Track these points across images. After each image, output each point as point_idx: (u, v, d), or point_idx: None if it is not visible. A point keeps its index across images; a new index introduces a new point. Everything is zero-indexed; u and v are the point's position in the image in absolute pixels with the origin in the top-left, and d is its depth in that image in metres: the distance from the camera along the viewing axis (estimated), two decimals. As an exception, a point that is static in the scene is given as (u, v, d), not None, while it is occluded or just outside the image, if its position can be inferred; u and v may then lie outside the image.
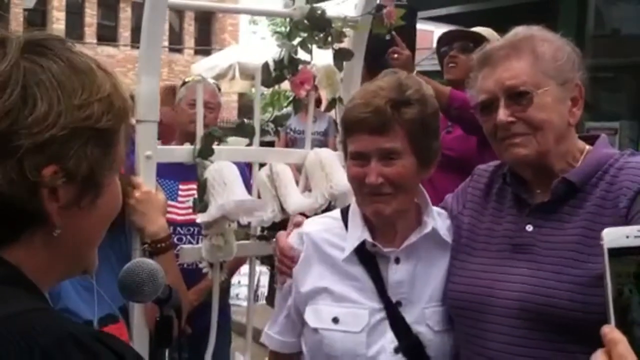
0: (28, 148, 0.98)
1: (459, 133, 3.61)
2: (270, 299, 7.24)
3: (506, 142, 1.88)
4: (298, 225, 2.15)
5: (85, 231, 1.11)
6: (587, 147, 1.92)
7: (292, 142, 7.10)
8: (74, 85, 1.03)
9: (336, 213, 2.16)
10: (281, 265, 2.11)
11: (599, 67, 6.28)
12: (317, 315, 2.00)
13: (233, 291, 7.79)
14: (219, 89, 4.01)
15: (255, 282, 7.05)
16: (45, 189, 1.01)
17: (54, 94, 1.01)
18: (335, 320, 1.97)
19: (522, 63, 1.85)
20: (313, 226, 2.13)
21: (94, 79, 1.06)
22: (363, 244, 2.00)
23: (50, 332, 0.94)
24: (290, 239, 2.12)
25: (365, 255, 2.01)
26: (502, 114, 1.85)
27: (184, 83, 3.93)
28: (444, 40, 4.06)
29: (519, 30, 1.93)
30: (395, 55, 3.57)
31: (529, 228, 1.88)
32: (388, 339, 1.95)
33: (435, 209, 2.08)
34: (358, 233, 2.00)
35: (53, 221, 1.04)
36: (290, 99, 2.87)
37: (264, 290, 7.90)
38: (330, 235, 2.06)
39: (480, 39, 3.40)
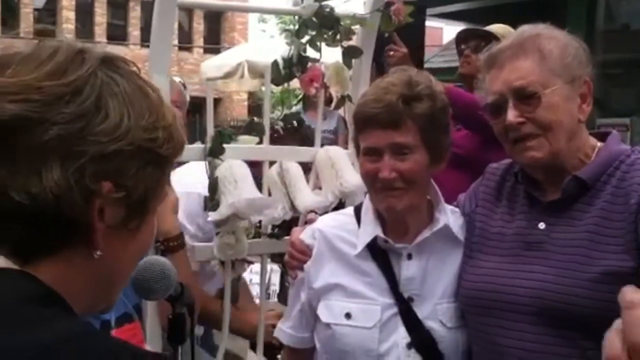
0: (93, 156, 0.97)
1: (467, 131, 3.62)
2: (282, 296, 7.26)
3: (519, 145, 1.88)
4: (311, 222, 2.17)
5: (124, 257, 1.09)
6: (599, 144, 1.92)
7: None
8: (143, 108, 1.03)
9: (349, 210, 2.18)
10: (291, 260, 2.12)
11: (610, 63, 6.25)
12: (329, 311, 2.02)
13: (244, 289, 7.82)
14: (185, 87, 3.99)
15: (267, 281, 7.06)
16: (98, 201, 0.99)
17: (125, 110, 1.01)
18: (348, 315, 1.99)
19: (529, 63, 1.85)
20: (326, 223, 2.15)
21: (160, 107, 1.07)
22: (375, 240, 2.01)
23: (106, 352, 0.93)
24: (302, 235, 2.13)
25: (377, 251, 2.02)
26: (511, 115, 1.85)
27: None
28: (461, 38, 4.11)
29: (525, 29, 1.93)
30: (391, 53, 3.59)
31: (541, 226, 1.88)
32: (400, 335, 1.97)
33: (449, 206, 2.09)
34: (370, 229, 2.02)
35: (97, 240, 1.01)
36: (300, 97, 2.88)
37: (275, 288, 7.91)
38: (343, 231, 2.08)
39: (494, 38, 3.43)
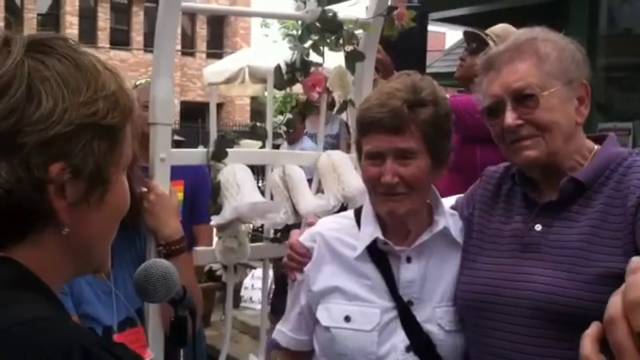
0: (34, 145, 0.98)
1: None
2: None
3: (515, 145, 1.89)
4: (311, 224, 2.18)
5: (94, 229, 1.10)
6: (596, 146, 1.93)
7: (305, 145, 7.11)
8: (79, 83, 1.03)
9: (349, 213, 2.18)
10: (290, 262, 2.13)
11: (612, 67, 6.25)
12: (329, 314, 2.02)
13: (247, 294, 7.82)
14: None
15: (269, 285, 7.06)
16: (53, 186, 1.00)
17: (59, 91, 1.01)
18: (347, 318, 1.99)
19: (527, 65, 1.86)
20: (326, 225, 2.15)
21: (99, 77, 1.06)
22: (375, 243, 2.01)
23: (57, 344, 0.93)
24: (302, 237, 2.14)
25: (377, 254, 2.02)
26: (510, 118, 1.86)
27: (136, 86, 3.86)
28: (463, 40, 4.18)
29: (522, 33, 1.94)
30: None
31: (538, 227, 1.88)
32: (399, 338, 1.97)
33: (448, 210, 2.10)
34: (370, 231, 2.02)
35: (61, 219, 1.03)
36: (296, 104, 2.89)
37: (276, 292, 7.91)
38: (343, 234, 2.08)
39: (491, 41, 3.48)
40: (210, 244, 3.04)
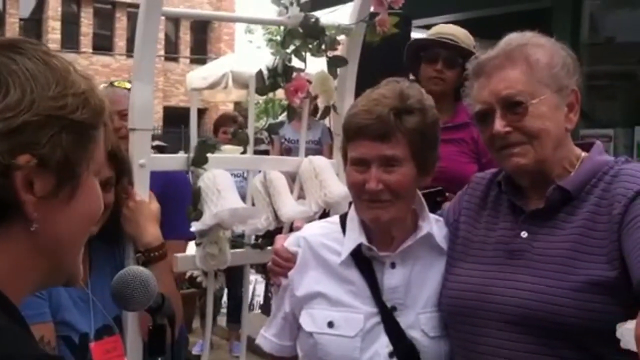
0: (1, 133, 0.99)
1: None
2: (266, 307, 7.23)
3: (505, 152, 1.89)
4: (297, 229, 2.16)
5: (64, 227, 1.08)
6: (583, 154, 1.93)
7: (287, 152, 7.10)
8: (48, 80, 1.04)
9: (335, 218, 2.17)
10: (274, 267, 2.11)
11: (594, 75, 6.28)
12: (312, 319, 2.01)
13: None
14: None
15: (251, 291, 7.04)
16: (20, 174, 1.00)
17: (27, 84, 1.02)
18: (331, 324, 1.98)
19: (517, 72, 1.85)
20: (311, 230, 2.15)
21: (68, 76, 1.07)
22: (360, 248, 2.00)
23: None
24: (287, 242, 2.12)
25: (361, 260, 2.02)
26: (499, 125, 1.86)
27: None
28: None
29: (513, 38, 1.93)
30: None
31: (524, 234, 1.88)
32: (382, 344, 1.96)
33: (433, 216, 2.09)
34: (355, 237, 2.02)
35: (29, 213, 1.02)
36: (285, 107, 2.86)
37: (259, 299, 7.89)
38: (328, 239, 2.07)
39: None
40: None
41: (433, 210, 2.19)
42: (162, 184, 2.71)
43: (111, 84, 3.33)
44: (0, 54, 1.03)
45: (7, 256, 1.03)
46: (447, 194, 2.33)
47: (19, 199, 1.01)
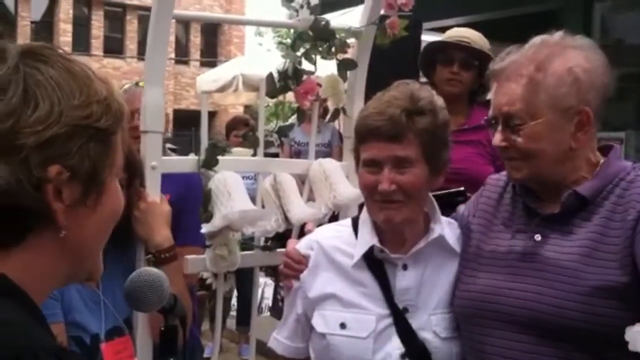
0: (32, 146, 1.01)
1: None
2: (275, 310, 7.23)
3: (506, 162, 1.93)
4: (308, 232, 2.18)
5: (90, 232, 1.12)
6: (602, 159, 1.91)
7: (296, 155, 7.11)
8: (72, 88, 1.06)
9: (347, 221, 2.18)
10: (286, 269, 2.12)
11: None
12: (324, 321, 2.03)
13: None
14: None
15: (260, 294, 7.04)
16: (51, 186, 1.03)
17: (54, 95, 1.03)
18: (343, 325, 1.99)
19: (520, 89, 1.84)
20: (323, 233, 2.17)
21: (91, 84, 1.09)
22: (372, 250, 2.01)
23: (6, 348, 0.94)
24: (299, 245, 2.14)
25: (373, 262, 2.03)
26: (496, 139, 1.89)
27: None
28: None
29: (533, 45, 1.89)
30: None
31: (538, 238, 1.88)
32: (394, 345, 1.97)
33: (445, 218, 2.10)
34: (367, 239, 2.03)
35: (59, 221, 1.05)
36: (295, 109, 2.87)
37: (268, 302, 7.89)
38: (340, 242, 2.09)
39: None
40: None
41: (453, 211, 2.20)
42: (181, 190, 2.72)
43: (136, 84, 3.35)
44: (24, 63, 1.05)
45: (36, 261, 1.07)
46: (468, 194, 2.34)
47: (50, 208, 1.04)
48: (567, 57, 1.85)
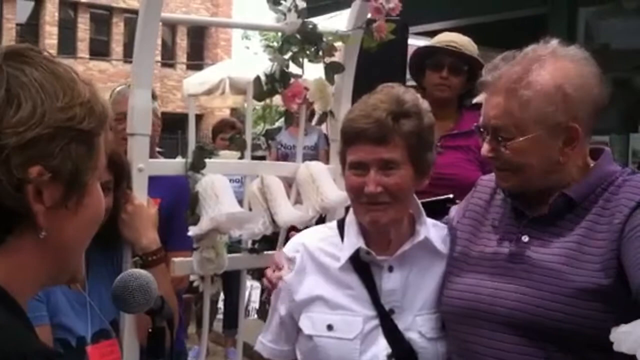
0: (14, 147, 1.01)
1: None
2: (262, 313, 7.22)
3: (495, 171, 1.97)
4: (292, 235, 2.19)
5: (70, 234, 1.12)
6: (592, 163, 1.93)
7: (283, 158, 7.11)
8: (56, 90, 1.06)
9: (332, 224, 2.20)
10: (268, 272, 2.14)
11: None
12: (312, 323, 2.04)
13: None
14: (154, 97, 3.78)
15: (247, 297, 7.03)
16: (32, 186, 1.03)
17: (37, 96, 1.04)
18: (330, 327, 2.01)
19: (509, 104, 1.84)
20: (309, 236, 2.18)
21: (74, 86, 1.09)
22: (358, 252, 2.03)
23: None
24: (285, 248, 2.16)
25: (359, 264, 2.04)
26: (485, 149, 1.92)
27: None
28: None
29: (528, 54, 1.88)
30: None
31: (525, 239, 1.90)
32: (381, 346, 1.98)
33: (430, 220, 2.12)
34: (353, 241, 2.04)
35: (40, 222, 1.05)
36: (282, 113, 2.88)
37: (255, 305, 7.88)
38: (326, 244, 2.10)
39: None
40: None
41: (442, 217, 2.22)
42: (172, 194, 2.72)
43: (129, 86, 3.32)
44: (8, 65, 1.05)
45: (17, 262, 1.06)
46: (457, 201, 2.36)
47: (30, 210, 1.04)
48: (557, 72, 1.83)
